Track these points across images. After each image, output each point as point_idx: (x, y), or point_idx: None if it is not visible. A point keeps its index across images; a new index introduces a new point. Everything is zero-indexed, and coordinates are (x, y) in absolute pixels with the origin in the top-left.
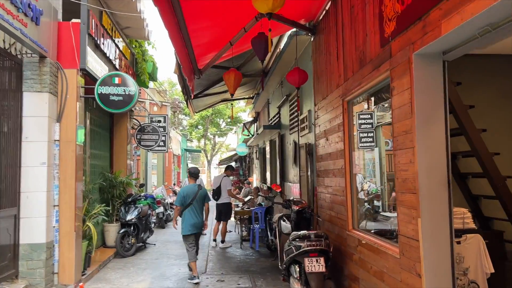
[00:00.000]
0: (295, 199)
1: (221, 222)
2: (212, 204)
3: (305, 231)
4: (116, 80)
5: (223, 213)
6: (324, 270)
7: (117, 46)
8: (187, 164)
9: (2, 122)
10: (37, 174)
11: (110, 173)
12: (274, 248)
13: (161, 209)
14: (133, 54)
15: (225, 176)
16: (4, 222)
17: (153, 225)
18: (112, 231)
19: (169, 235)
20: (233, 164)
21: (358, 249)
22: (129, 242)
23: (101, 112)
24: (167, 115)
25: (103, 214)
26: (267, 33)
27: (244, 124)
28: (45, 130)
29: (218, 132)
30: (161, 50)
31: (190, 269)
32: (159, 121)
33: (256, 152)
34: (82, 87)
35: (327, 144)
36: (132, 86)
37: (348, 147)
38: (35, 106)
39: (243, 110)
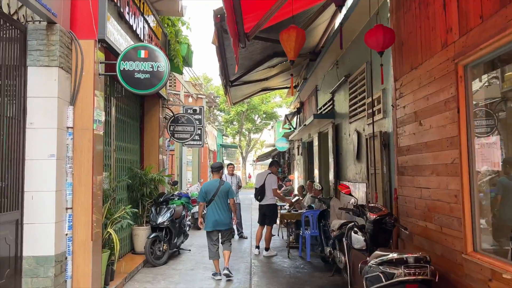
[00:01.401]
0: (370, 205)
1: (265, 226)
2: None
3: (400, 253)
4: (142, 54)
5: (268, 216)
6: None
7: (146, 21)
8: (222, 160)
9: (2, 104)
10: (44, 169)
11: (140, 169)
12: (331, 261)
13: (196, 208)
14: (165, 34)
15: (269, 173)
16: (3, 229)
17: (188, 228)
18: (142, 235)
19: (205, 238)
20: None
21: (491, 285)
22: (161, 249)
23: (129, 99)
24: (203, 106)
25: (128, 217)
26: None
27: (286, 115)
28: (54, 115)
29: (253, 128)
30: (195, 36)
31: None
32: (195, 111)
33: (298, 147)
34: (101, 62)
35: (421, 130)
36: (161, 61)
37: (466, 132)
38: (42, 84)
39: (279, 105)
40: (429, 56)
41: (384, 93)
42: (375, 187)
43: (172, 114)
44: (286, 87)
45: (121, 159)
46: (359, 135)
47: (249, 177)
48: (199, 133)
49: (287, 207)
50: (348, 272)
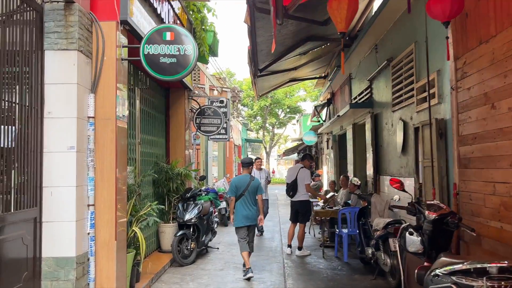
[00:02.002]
0: (428, 202)
1: (297, 224)
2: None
3: (478, 262)
4: (168, 36)
5: (301, 213)
6: None
7: (171, 5)
8: (247, 155)
9: (18, 92)
10: (64, 162)
11: (166, 163)
12: (374, 263)
13: (223, 204)
14: (190, 22)
15: (302, 168)
16: (20, 227)
17: (215, 225)
18: (168, 232)
19: (233, 235)
20: (295, 155)
21: None
22: (188, 247)
23: (154, 89)
24: (228, 98)
25: (155, 214)
26: None
27: (315, 107)
28: (74, 103)
29: (277, 123)
30: (220, 25)
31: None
32: (222, 102)
33: (327, 141)
34: (123, 46)
35: (494, 115)
36: (189, 44)
37: None
38: (60, 70)
39: (303, 99)
40: (507, 24)
41: (439, 75)
42: (432, 182)
43: (198, 106)
44: (315, 77)
45: (146, 152)
46: (405, 124)
47: (273, 172)
48: (225, 126)
49: (320, 203)
50: (402, 278)
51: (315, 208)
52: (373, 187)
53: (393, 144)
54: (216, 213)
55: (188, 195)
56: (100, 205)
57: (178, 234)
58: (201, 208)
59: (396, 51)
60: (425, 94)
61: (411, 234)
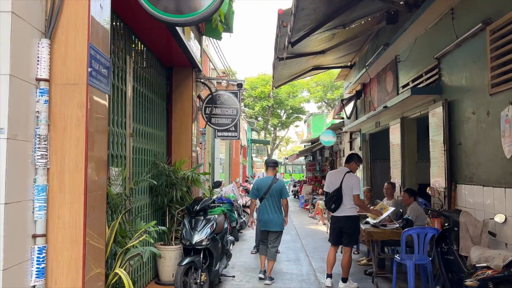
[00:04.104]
0: None
1: (338, 246)
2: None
3: None
4: None
5: (346, 233)
6: None
7: None
8: (251, 158)
9: None
10: None
11: (167, 164)
12: None
13: (234, 214)
14: None
15: (348, 172)
16: None
17: (231, 246)
18: (170, 258)
19: (249, 255)
20: (302, 158)
21: None
22: (197, 281)
23: (153, 67)
24: (239, 90)
25: (152, 241)
26: None
27: (341, 101)
28: (5, 50)
29: (279, 124)
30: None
31: None
32: (239, 86)
33: (352, 141)
34: None
35: None
36: None
37: None
38: None
39: (306, 100)
40: None
41: None
42: None
43: (207, 93)
44: (340, 66)
45: (141, 149)
46: None
47: (282, 174)
48: (236, 122)
49: (370, 220)
50: None
51: (363, 226)
52: (445, 200)
53: (491, 140)
54: (231, 229)
55: (197, 208)
56: (56, 236)
57: (184, 263)
58: (214, 225)
59: (499, 9)
60: None
61: None
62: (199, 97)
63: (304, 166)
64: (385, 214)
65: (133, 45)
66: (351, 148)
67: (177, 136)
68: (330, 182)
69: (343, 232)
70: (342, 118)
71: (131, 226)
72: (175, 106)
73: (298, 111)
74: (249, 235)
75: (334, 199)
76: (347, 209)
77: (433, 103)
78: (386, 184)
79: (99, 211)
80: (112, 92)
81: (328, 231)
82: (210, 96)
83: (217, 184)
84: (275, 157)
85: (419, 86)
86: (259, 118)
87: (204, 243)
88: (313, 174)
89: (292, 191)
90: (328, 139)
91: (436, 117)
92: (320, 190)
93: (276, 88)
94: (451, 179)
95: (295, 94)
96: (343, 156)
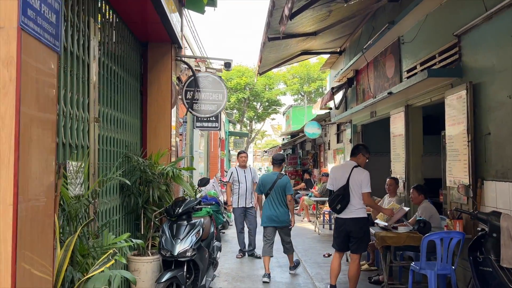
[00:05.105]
0: None
1: (344, 253)
2: None
3: None
4: None
5: (355, 238)
6: None
7: None
8: (229, 151)
9: None
10: None
11: (141, 157)
12: None
13: (221, 216)
14: None
15: (356, 167)
16: None
17: (218, 253)
18: (146, 271)
19: (234, 260)
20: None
21: None
22: None
23: (126, 41)
24: (227, 70)
25: (124, 260)
26: None
27: (331, 89)
28: None
29: (255, 117)
30: None
31: None
32: (227, 65)
33: (340, 133)
34: None
35: None
36: None
37: None
38: None
39: (283, 92)
40: None
41: None
42: None
43: (191, 72)
44: (330, 52)
45: (110, 138)
46: None
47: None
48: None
49: (380, 222)
50: None
51: (373, 230)
52: (468, 200)
53: None
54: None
55: (180, 210)
56: None
57: (164, 279)
58: (201, 232)
59: None
60: None
61: None
62: (179, 79)
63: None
64: (398, 214)
65: (100, 7)
66: (338, 141)
67: (153, 124)
68: (334, 178)
69: (351, 237)
70: (330, 108)
71: (96, 240)
72: (151, 89)
73: (274, 104)
74: (232, 235)
75: (340, 199)
76: (356, 210)
77: (450, 87)
78: (388, 179)
79: (43, 225)
80: (70, 62)
81: (317, 229)
82: (193, 78)
83: (204, 182)
84: (250, 150)
85: (432, 68)
86: (235, 111)
87: (188, 254)
88: (293, 168)
89: None
90: (312, 131)
91: (456, 103)
92: (303, 185)
93: (260, 75)
94: (475, 175)
95: (271, 86)
96: (328, 149)
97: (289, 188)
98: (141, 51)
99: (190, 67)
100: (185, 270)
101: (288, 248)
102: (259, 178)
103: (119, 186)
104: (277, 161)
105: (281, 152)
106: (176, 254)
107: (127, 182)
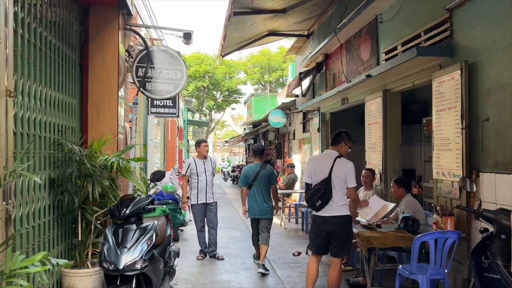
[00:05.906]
0: None
1: (321, 256)
2: None
3: None
4: None
5: (338, 239)
6: None
7: None
8: (187, 140)
9: None
10: None
11: (80, 146)
12: None
13: (180, 216)
14: None
15: (339, 158)
16: None
17: (175, 260)
18: (84, 287)
19: (195, 262)
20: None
21: None
22: None
23: (60, 3)
24: (187, 43)
25: (45, 280)
26: None
27: (299, 74)
28: None
29: (215, 106)
30: None
31: None
32: (186, 38)
33: (306, 122)
34: None
35: None
36: None
37: None
38: None
39: (243, 82)
40: None
41: None
42: None
43: (143, 44)
44: (297, 35)
45: (35, 120)
46: None
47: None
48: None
49: (361, 220)
50: None
51: (356, 229)
52: (460, 193)
53: None
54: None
55: (127, 212)
56: None
57: None
58: (153, 238)
59: None
60: None
61: None
62: (128, 53)
63: (244, 150)
64: (387, 209)
65: None
66: (304, 130)
67: (95, 105)
68: (313, 171)
69: (332, 238)
70: (296, 96)
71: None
72: (93, 62)
73: (234, 93)
74: (191, 232)
75: (321, 194)
76: (338, 206)
77: (438, 68)
78: (364, 171)
79: None
80: None
81: (283, 223)
82: (145, 52)
83: (158, 176)
84: (210, 140)
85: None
86: (194, 100)
87: (138, 266)
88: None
89: (231, 176)
90: (277, 119)
91: (447, 86)
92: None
93: (223, 56)
94: (470, 165)
95: (231, 75)
96: (293, 138)
97: (273, 178)
98: (80, 16)
99: (142, 37)
100: (133, 287)
101: (265, 238)
102: (242, 171)
103: (49, 181)
104: (258, 152)
105: (261, 143)
106: (121, 267)
107: (37, 179)
